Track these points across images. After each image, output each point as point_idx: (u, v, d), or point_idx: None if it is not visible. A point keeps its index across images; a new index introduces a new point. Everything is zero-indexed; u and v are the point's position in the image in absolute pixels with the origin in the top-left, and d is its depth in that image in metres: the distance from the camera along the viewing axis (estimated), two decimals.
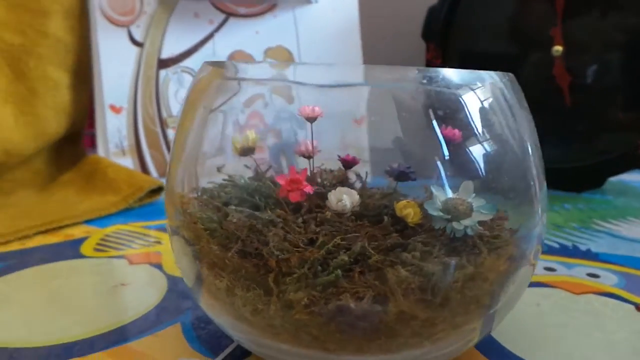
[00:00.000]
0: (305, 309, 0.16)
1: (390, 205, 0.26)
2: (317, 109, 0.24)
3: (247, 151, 0.26)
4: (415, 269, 0.16)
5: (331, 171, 0.32)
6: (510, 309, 0.22)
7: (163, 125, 0.57)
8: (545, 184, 0.21)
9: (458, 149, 0.23)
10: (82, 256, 0.34)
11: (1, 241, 0.36)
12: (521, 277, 0.20)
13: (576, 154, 0.54)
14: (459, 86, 0.20)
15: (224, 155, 0.30)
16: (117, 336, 0.24)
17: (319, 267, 0.17)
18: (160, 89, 0.57)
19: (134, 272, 0.32)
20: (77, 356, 0.22)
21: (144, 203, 0.48)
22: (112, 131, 0.55)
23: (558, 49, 0.53)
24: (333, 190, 0.21)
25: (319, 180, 0.31)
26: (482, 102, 0.20)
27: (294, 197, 0.18)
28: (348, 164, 0.28)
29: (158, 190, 0.49)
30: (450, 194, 0.18)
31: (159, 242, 0.37)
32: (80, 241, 0.37)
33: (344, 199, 0.20)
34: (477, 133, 0.20)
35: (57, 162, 0.54)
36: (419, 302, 0.16)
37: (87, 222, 0.42)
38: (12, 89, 0.49)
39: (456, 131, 0.24)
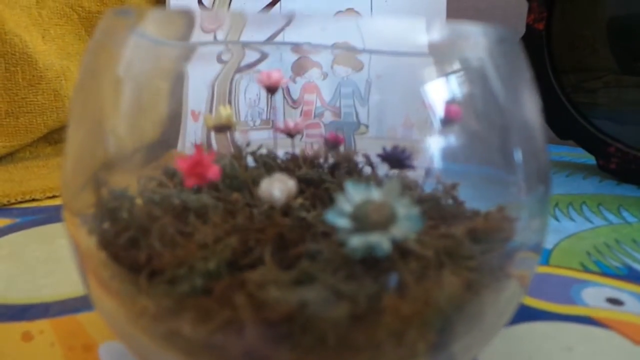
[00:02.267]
0: (150, 320, 0.13)
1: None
2: (275, 74, 0.20)
3: (221, 128, 0.23)
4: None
5: (337, 152, 0.28)
6: (487, 343, 0.16)
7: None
8: (545, 184, 0.15)
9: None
10: None
11: (20, 199, 0.38)
12: (497, 298, 0.14)
13: None
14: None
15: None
16: (74, 304, 0.23)
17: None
18: (232, 92, 0.57)
19: None
20: (28, 319, 0.22)
21: None
22: (190, 133, 0.56)
23: None
24: (266, 178, 0.17)
25: (316, 162, 0.27)
26: (447, 74, 0.14)
27: (190, 182, 0.15)
28: (331, 143, 0.24)
29: None
30: (374, 193, 0.13)
31: None
32: None
33: (275, 187, 0.17)
34: (435, 117, 0.14)
35: None
36: (278, 340, 0.12)
37: None
38: None
39: (454, 107, 0.18)
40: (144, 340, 0.14)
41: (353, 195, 0.13)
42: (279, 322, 0.11)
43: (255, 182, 0.23)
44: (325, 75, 0.31)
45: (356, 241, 0.12)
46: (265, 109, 0.57)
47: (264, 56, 0.25)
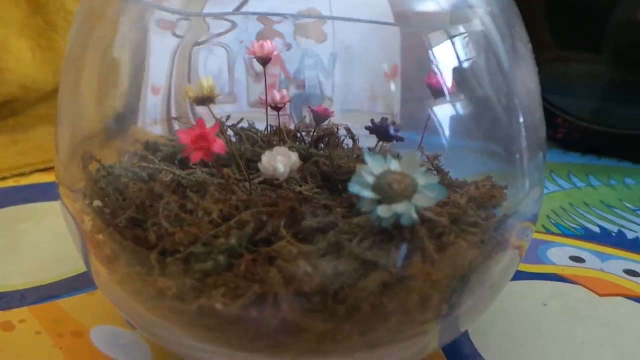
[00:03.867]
0: (173, 300, 0.13)
1: None
2: (268, 44, 0.19)
3: (203, 100, 0.22)
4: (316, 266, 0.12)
5: (315, 125, 0.28)
6: (487, 307, 0.17)
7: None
8: (541, 151, 0.16)
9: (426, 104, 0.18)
10: None
11: None
12: (499, 266, 0.15)
13: None
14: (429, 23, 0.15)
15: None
16: (52, 290, 0.22)
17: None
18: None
19: None
20: (3, 309, 0.21)
21: None
22: (150, 108, 0.53)
23: None
24: (267, 151, 0.17)
25: (298, 135, 0.27)
26: (452, 40, 0.14)
27: (196, 156, 0.15)
28: (319, 116, 0.24)
29: None
30: (392, 164, 0.13)
31: None
32: None
33: (278, 160, 0.16)
34: (441, 85, 0.15)
35: None
36: (310, 311, 0.12)
37: None
38: (28, 22, 0.48)
39: (443, 79, 0.19)
40: (161, 321, 0.14)
41: (373, 167, 0.13)
42: (312, 294, 0.12)
43: (242, 157, 0.22)
44: (289, 46, 0.30)
45: (383, 211, 0.12)
46: (228, 82, 0.55)
47: (233, 26, 0.25)
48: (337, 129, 0.27)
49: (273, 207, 0.15)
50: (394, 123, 0.22)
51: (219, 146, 0.15)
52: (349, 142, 0.27)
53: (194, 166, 0.21)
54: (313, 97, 0.33)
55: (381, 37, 0.24)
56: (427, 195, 0.13)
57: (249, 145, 0.24)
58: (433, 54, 0.16)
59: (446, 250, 0.13)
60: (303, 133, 0.27)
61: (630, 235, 0.30)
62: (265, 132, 0.27)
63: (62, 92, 0.18)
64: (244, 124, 0.27)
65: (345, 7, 0.22)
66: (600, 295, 0.23)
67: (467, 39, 0.15)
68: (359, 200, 0.13)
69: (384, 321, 0.12)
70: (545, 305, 0.22)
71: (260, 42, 0.19)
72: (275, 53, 0.20)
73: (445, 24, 0.16)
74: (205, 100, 0.22)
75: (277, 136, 0.26)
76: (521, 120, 0.15)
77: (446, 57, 0.16)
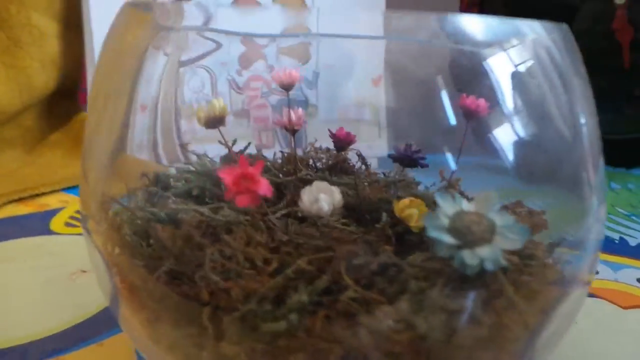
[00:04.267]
0: None
1: (392, 198, 0.21)
2: (294, 73, 0.18)
3: (213, 122, 0.20)
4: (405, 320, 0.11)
5: (327, 150, 0.27)
6: (551, 353, 0.16)
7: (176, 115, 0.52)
8: (602, 168, 0.15)
9: (482, 125, 0.17)
10: (49, 232, 0.31)
11: None
12: (569, 306, 0.15)
13: (631, 123, 0.46)
14: (487, 43, 0.14)
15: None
16: (56, 344, 0.20)
17: (270, 304, 0.12)
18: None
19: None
20: None
21: None
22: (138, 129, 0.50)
23: None
24: (307, 187, 0.16)
25: (310, 162, 0.26)
26: (517, 65, 0.14)
27: (242, 201, 0.13)
28: (341, 142, 0.23)
29: None
30: (464, 204, 0.12)
31: None
32: (53, 213, 0.34)
33: (321, 199, 0.15)
34: (505, 107, 0.14)
35: (49, 119, 0.50)
36: None
37: (67, 189, 0.38)
38: None
39: (481, 102, 0.18)
40: None
41: (445, 207, 0.12)
42: (406, 353, 0.11)
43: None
44: (271, 68, 0.29)
45: (469, 257, 0.11)
46: (211, 95, 0.53)
47: (218, 46, 0.23)
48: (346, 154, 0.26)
49: (325, 250, 0.14)
50: (418, 151, 0.22)
51: (265, 188, 0.14)
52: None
53: (210, 202, 0.20)
54: (296, 103, 0.32)
55: (365, 52, 0.24)
56: (509, 237, 0.12)
57: (267, 176, 0.22)
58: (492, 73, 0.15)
59: (527, 293, 0.12)
60: (316, 160, 0.26)
61: (632, 242, 0.31)
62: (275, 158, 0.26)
63: (90, 120, 0.16)
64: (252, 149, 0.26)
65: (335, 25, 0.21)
66: (624, 308, 0.23)
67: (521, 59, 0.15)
68: (435, 244, 0.12)
69: None
70: (576, 323, 0.22)
71: (287, 70, 0.18)
72: (300, 79, 0.19)
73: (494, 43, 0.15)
74: (217, 121, 0.20)
75: (292, 164, 0.24)
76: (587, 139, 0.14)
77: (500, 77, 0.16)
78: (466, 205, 0.12)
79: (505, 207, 0.19)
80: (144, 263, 0.14)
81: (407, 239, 0.17)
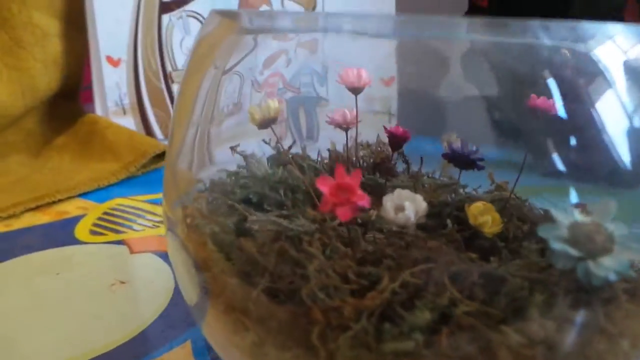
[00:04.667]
0: None
1: (451, 202, 0.21)
2: (364, 74, 0.18)
3: (267, 123, 0.20)
4: (527, 332, 0.11)
5: (368, 145, 0.26)
6: None
7: (167, 80, 0.51)
8: None
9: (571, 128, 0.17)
10: (76, 241, 0.29)
11: None
12: None
13: None
14: (582, 39, 0.14)
15: (241, 126, 0.24)
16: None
17: (383, 321, 0.12)
18: (163, 38, 0.51)
19: (135, 265, 0.27)
20: None
21: (148, 170, 0.43)
22: (111, 87, 0.48)
23: None
24: (389, 195, 0.15)
25: (353, 159, 0.26)
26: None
27: (344, 214, 0.13)
28: (397, 140, 0.22)
29: (164, 155, 0.44)
30: (576, 215, 0.12)
31: None
32: (74, 220, 0.32)
33: (407, 207, 0.15)
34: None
35: (52, 122, 0.49)
36: None
37: (83, 195, 0.37)
38: None
39: (551, 101, 0.18)
40: None
41: (561, 218, 0.12)
42: None
43: (318, 193, 0.21)
44: (289, 62, 0.29)
45: (597, 268, 0.11)
46: (237, 99, 0.52)
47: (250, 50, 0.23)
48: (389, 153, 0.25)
49: (424, 262, 0.14)
50: (476, 151, 0.21)
51: (364, 199, 0.13)
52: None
53: (269, 209, 0.19)
54: (309, 100, 0.32)
55: (375, 51, 0.24)
56: (630, 246, 0.12)
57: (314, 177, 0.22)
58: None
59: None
60: (362, 160, 0.25)
61: None
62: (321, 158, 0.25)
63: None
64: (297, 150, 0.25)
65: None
66: None
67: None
68: (553, 255, 0.12)
69: None
70: None
71: (357, 71, 0.17)
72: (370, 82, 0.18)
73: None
74: (271, 122, 0.20)
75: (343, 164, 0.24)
76: None
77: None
78: (579, 216, 0.12)
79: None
80: (237, 280, 0.13)
81: (477, 244, 0.17)
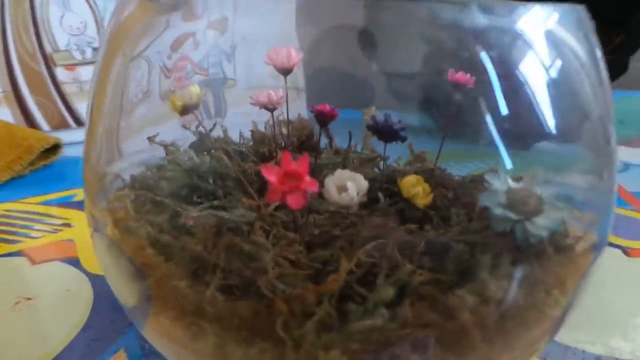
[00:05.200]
0: None
1: (380, 176, 0.21)
2: (293, 53, 0.17)
3: (189, 109, 0.19)
4: (483, 293, 0.12)
5: (290, 122, 0.26)
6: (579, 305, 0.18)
7: (48, 62, 0.45)
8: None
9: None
10: None
11: None
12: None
13: None
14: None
15: (151, 114, 0.23)
16: None
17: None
18: (37, 14, 0.44)
19: (40, 277, 0.24)
20: None
21: (37, 167, 0.38)
22: None
23: None
24: (330, 175, 0.15)
25: (281, 141, 0.25)
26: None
27: (296, 202, 0.12)
28: (325, 117, 0.22)
29: (54, 149, 0.39)
30: (509, 181, 0.13)
31: (67, 225, 0.29)
32: None
33: (349, 187, 0.15)
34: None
35: None
36: (494, 339, 0.11)
37: None
38: None
39: (468, 75, 0.19)
40: None
41: (498, 186, 0.13)
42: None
43: (249, 179, 0.20)
44: (197, 44, 0.28)
45: (535, 228, 0.12)
46: (97, 39, 0.47)
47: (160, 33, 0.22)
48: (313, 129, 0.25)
49: (374, 238, 0.14)
50: (399, 122, 0.22)
51: (313, 185, 0.13)
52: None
53: (200, 200, 0.18)
54: (216, 81, 0.31)
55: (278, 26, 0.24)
56: (558, 206, 0.13)
57: (250, 163, 0.21)
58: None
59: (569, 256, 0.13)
60: (287, 138, 0.25)
61: None
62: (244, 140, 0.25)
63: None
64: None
65: None
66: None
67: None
68: (493, 220, 0.13)
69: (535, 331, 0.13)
70: None
71: (286, 50, 0.17)
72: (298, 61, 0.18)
73: None
74: (193, 108, 0.19)
75: (266, 146, 0.23)
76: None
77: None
78: (512, 183, 0.13)
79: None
80: (187, 282, 0.12)
81: (410, 215, 0.18)
